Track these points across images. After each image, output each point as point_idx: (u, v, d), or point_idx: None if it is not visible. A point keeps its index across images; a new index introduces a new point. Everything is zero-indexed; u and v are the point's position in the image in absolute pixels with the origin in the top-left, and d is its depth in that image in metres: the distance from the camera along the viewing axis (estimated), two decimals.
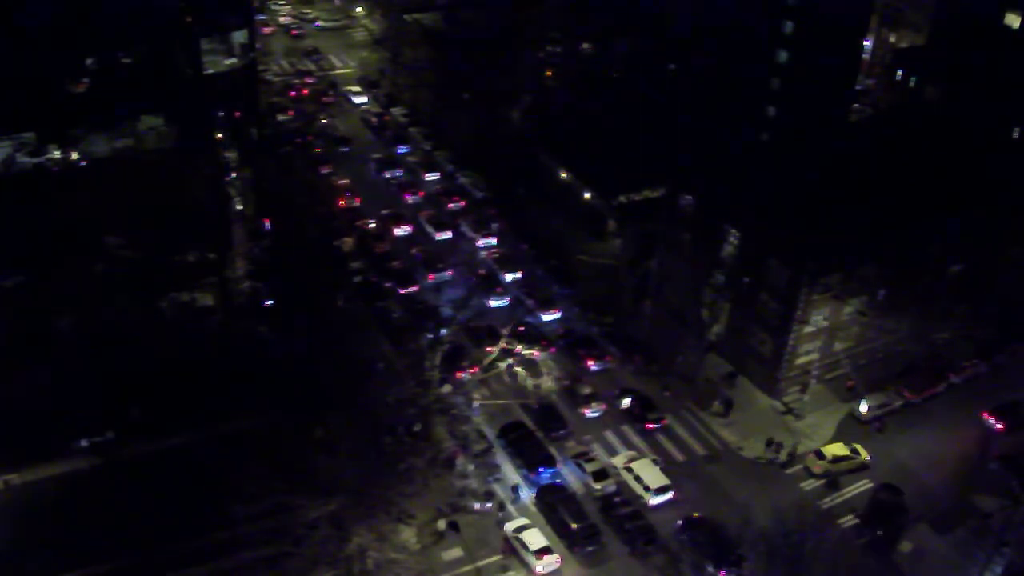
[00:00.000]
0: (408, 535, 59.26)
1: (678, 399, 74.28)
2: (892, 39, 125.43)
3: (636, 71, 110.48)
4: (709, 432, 71.34)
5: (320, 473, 57.36)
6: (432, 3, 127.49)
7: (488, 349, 76.64)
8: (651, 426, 71.04)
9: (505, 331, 78.28)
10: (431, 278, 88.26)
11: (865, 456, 68.45)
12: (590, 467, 66.94)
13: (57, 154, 73.41)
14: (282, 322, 77.03)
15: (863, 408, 72.58)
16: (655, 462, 67.41)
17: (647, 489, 64.24)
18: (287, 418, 63.02)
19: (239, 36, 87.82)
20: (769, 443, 68.75)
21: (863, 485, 66.70)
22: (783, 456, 68.51)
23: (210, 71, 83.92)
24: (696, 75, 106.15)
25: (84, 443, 64.49)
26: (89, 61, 75.28)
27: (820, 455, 67.82)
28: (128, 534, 56.65)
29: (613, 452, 69.25)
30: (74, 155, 74.20)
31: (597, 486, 65.37)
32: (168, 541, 56.52)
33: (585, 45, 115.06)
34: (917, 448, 69.24)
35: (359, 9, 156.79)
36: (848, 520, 63.75)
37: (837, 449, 68.50)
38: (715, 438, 70.74)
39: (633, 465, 66.37)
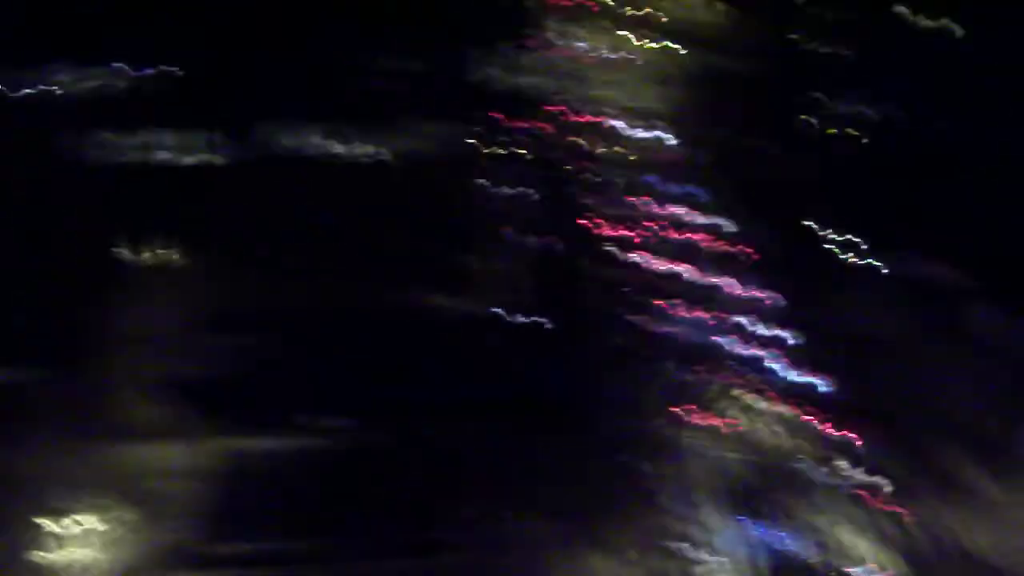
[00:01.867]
0: (600, 566, 59.04)
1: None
2: None
3: None
4: None
5: (537, 491, 58.31)
6: None
7: (728, 392, 75.97)
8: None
9: (749, 380, 76.83)
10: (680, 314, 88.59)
11: None
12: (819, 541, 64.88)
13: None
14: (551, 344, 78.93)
15: None
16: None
17: None
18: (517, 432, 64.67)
19: None
20: None
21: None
22: None
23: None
24: None
25: (330, 423, 68.74)
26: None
27: None
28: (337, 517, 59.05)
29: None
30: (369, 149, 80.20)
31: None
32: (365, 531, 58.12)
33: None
34: None
35: None
36: None
37: None
38: None
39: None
